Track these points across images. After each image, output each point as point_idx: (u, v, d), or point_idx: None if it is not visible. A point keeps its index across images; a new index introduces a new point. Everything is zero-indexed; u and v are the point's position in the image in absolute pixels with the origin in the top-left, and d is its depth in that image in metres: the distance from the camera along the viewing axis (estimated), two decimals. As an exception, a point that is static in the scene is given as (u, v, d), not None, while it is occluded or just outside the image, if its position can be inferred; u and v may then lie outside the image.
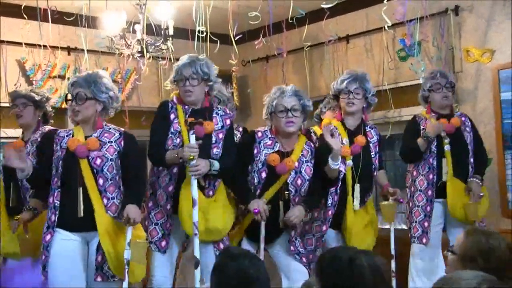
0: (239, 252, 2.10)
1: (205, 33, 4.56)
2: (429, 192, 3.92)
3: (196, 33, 4.59)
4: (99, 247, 3.06)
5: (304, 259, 3.39)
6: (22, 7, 4.63)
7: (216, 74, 3.41)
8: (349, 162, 3.62)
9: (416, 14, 4.62)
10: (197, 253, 3.05)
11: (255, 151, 3.40)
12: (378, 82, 5.04)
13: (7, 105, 3.96)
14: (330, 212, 3.64)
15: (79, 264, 3.08)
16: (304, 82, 5.63)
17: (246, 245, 3.43)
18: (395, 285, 3.63)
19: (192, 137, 3.05)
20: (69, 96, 3.19)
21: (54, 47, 5.04)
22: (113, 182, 3.14)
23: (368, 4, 5.21)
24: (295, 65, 5.84)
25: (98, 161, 3.11)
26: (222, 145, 3.32)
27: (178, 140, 3.25)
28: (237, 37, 4.70)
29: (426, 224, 3.90)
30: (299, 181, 3.39)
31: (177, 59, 3.51)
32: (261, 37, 4.99)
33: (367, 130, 3.80)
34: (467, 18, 4.63)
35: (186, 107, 3.33)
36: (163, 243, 3.31)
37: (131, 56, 4.77)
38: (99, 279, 3.08)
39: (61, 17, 4.78)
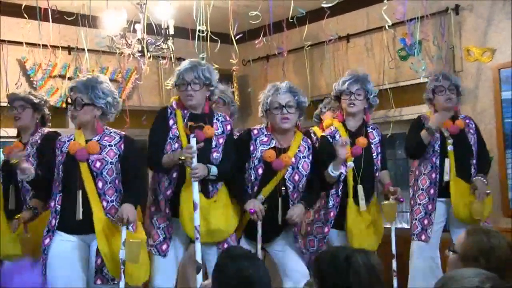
0: (239, 253, 2.10)
1: (205, 33, 4.56)
2: (431, 191, 3.92)
3: (197, 32, 4.59)
4: (98, 249, 3.06)
5: (305, 260, 3.39)
6: (23, 7, 4.63)
7: (217, 79, 3.42)
8: (350, 164, 3.62)
9: (417, 14, 4.62)
10: (199, 258, 3.05)
11: (251, 148, 3.41)
12: (379, 81, 5.04)
13: (7, 104, 3.96)
14: (332, 214, 3.64)
15: (77, 264, 3.08)
16: (304, 82, 5.63)
17: (244, 244, 3.43)
18: (396, 284, 3.63)
19: (193, 140, 3.06)
20: (69, 100, 3.21)
21: (54, 47, 5.04)
22: (112, 185, 3.15)
23: (368, 3, 5.20)
24: (296, 64, 5.84)
25: (98, 164, 3.11)
26: (222, 150, 3.33)
27: (177, 145, 3.25)
28: (238, 37, 4.69)
29: (426, 221, 3.92)
30: (296, 177, 3.39)
31: (178, 59, 3.53)
32: (261, 36, 4.99)
33: (368, 131, 3.79)
34: (467, 17, 4.63)
35: (186, 112, 3.33)
36: (164, 247, 3.30)
37: (131, 56, 4.77)
38: (98, 282, 3.09)
39: (61, 17, 4.78)
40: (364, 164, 3.67)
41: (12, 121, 3.87)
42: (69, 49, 5.18)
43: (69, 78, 4.95)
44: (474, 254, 2.15)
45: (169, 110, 3.36)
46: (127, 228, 3.05)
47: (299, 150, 3.43)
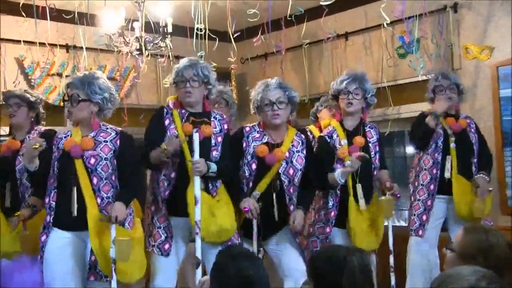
0: (238, 252, 2.09)
1: (203, 31, 4.56)
2: (431, 187, 3.93)
3: (195, 30, 4.59)
4: None
5: (305, 258, 3.40)
6: (20, 5, 4.61)
7: (215, 79, 3.43)
8: (348, 163, 3.62)
9: (415, 11, 4.62)
10: (199, 254, 3.05)
11: (244, 144, 3.42)
12: (377, 79, 5.03)
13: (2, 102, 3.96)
14: (332, 214, 3.64)
15: (71, 260, 3.08)
16: (303, 80, 5.63)
17: (243, 241, 3.43)
18: (393, 281, 3.63)
19: (196, 135, 3.06)
20: (66, 97, 3.20)
21: (52, 45, 5.03)
22: (108, 182, 3.14)
23: (366, 1, 5.20)
24: (294, 62, 5.83)
25: (92, 160, 3.11)
26: (221, 149, 3.33)
27: None
28: (236, 35, 4.69)
29: (424, 217, 3.92)
30: (291, 171, 3.40)
31: (176, 57, 3.53)
32: (259, 34, 4.98)
33: (366, 130, 3.79)
34: (465, 15, 4.63)
35: (183, 111, 3.33)
36: (166, 246, 3.30)
37: (129, 54, 4.76)
38: (92, 278, 3.09)
39: (59, 15, 4.77)
40: (362, 163, 3.66)
41: (7, 120, 3.87)
42: (67, 47, 5.17)
43: (67, 76, 4.92)
44: (472, 252, 2.15)
45: (165, 110, 3.36)
46: (123, 226, 3.06)
47: (292, 145, 3.45)
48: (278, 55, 5.51)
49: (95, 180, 3.10)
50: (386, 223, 3.71)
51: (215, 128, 3.35)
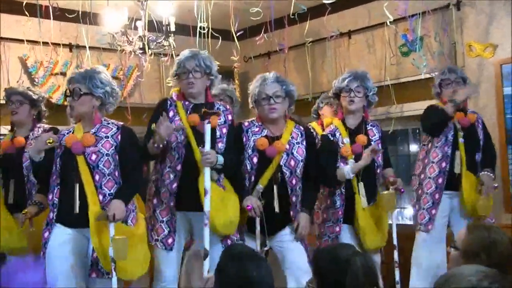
0: (240, 252, 2.07)
1: (206, 29, 4.56)
2: (440, 180, 3.88)
3: (198, 29, 4.59)
4: None
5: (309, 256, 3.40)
6: (24, 4, 4.63)
7: (217, 70, 3.42)
8: (351, 161, 3.62)
9: (418, 10, 4.62)
10: (207, 245, 3.04)
11: (244, 139, 3.42)
12: (380, 77, 5.03)
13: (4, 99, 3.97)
14: (340, 213, 3.64)
15: (72, 256, 3.07)
16: (305, 78, 5.63)
17: (246, 237, 3.43)
18: (398, 276, 3.63)
19: (207, 126, 3.05)
20: (68, 92, 3.20)
21: (55, 44, 5.04)
22: (111, 178, 3.12)
23: (370, -1, 5.20)
24: (297, 61, 5.83)
25: (94, 157, 3.10)
26: (226, 140, 3.33)
27: (183, 137, 3.25)
28: (239, 33, 4.69)
29: (433, 211, 3.87)
30: (292, 162, 3.39)
31: (179, 56, 3.52)
32: (262, 33, 4.99)
33: (368, 129, 3.78)
34: (469, 13, 4.62)
35: (187, 103, 3.33)
36: (170, 240, 3.30)
37: (132, 53, 4.77)
38: (93, 275, 3.09)
39: (62, 14, 4.79)
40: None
41: (8, 119, 3.88)
42: (70, 46, 5.19)
43: (70, 76, 4.95)
44: (475, 250, 2.15)
45: (169, 102, 3.35)
46: (126, 223, 3.07)
47: (292, 137, 3.44)
48: (281, 53, 5.51)
49: (97, 177, 3.09)
50: (390, 222, 3.71)
51: (220, 119, 3.34)
